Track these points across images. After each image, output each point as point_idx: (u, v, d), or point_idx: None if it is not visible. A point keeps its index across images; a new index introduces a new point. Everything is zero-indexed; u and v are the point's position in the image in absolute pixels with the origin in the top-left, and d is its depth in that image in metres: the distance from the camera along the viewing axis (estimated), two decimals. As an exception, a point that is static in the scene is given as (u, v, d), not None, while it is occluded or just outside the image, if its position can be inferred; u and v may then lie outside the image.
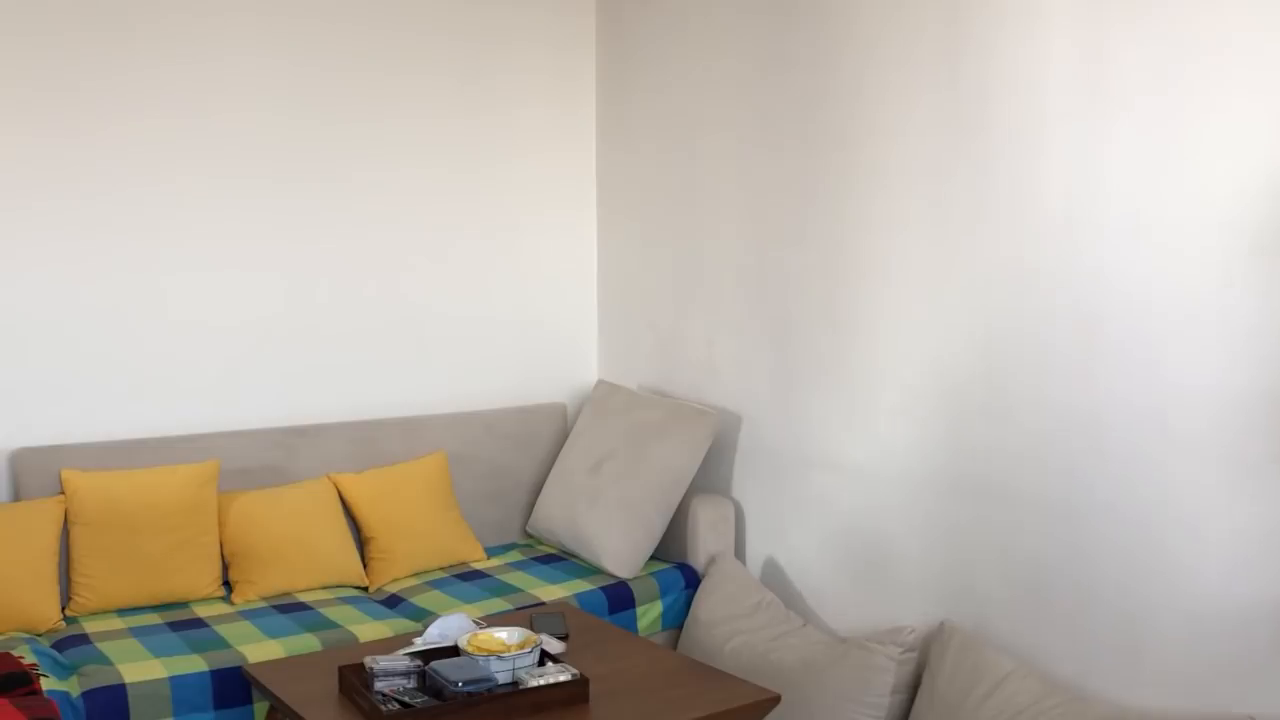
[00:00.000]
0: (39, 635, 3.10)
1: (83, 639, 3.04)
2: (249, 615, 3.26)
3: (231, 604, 3.37)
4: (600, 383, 4.20)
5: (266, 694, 2.64)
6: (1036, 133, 2.86)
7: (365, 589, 3.62)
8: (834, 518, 3.51)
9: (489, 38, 4.16)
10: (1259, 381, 2.47)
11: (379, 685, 2.52)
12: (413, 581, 3.61)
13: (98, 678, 2.79)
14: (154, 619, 3.22)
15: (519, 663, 2.58)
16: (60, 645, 3.01)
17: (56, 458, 3.36)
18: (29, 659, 2.78)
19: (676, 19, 4.00)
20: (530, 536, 4.15)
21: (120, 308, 3.54)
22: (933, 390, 3.17)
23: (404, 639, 2.95)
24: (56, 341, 3.45)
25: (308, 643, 3.05)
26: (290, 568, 3.45)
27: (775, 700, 2.64)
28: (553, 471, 4.02)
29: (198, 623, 3.19)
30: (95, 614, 3.26)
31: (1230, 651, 2.55)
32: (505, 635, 2.71)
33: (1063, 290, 2.83)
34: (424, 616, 3.33)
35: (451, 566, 3.76)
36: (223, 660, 2.92)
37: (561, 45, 4.33)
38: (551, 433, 4.24)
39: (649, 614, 3.59)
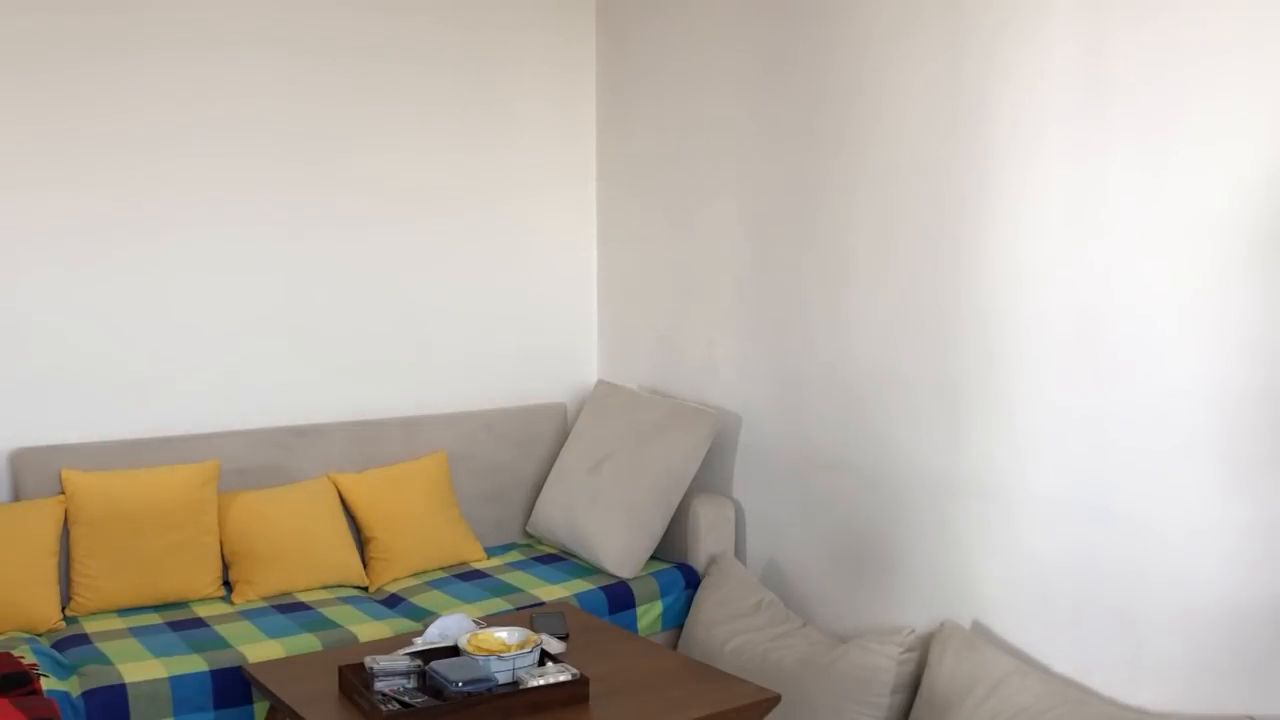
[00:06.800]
0: (39, 635, 3.10)
1: (83, 639, 3.04)
2: (249, 615, 3.26)
3: (231, 604, 3.37)
4: (600, 383, 4.20)
5: (266, 694, 2.64)
6: (1036, 133, 2.86)
7: (365, 589, 3.62)
8: (834, 517, 3.51)
9: (488, 33, 4.15)
10: (1259, 381, 2.47)
11: (379, 685, 2.53)
12: (413, 581, 3.61)
13: (98, 678, 2.79)
14: (154, 619, 3.22)
15: (519, 663, 2.58)
16: (60, 645, 3.01)
17: (56, 458, 3.36)
18: (29, 659, 2.77)
19: (677, 16, 4.00)
20: (530, 536, 4.15)
21: (120, 308, 3.54)
22: (932, 390, 3.17)
23: (404, 639, 2.95)
24: (56, 341, 3.45)
25: (308, 643, 3.06)
26: (290, 568, 3.45)
27: (775, 700, 2.64)
28: (553, 471, 4.02)
29: (198, 622, 3.19)
30: (95, 614, 3.26)
31: (1230, 651, 2.55)
32: (505, 635, 2.71)
33: (1063, 290, 2.83)
34: (424, 616, 3.33)
35: (451, 566, 3.76)
36: (223, 660, 2.92)
37: (562, 41, 4.33)
38: (551, 433, 4.24)
39: (649, 614, 3.59)
